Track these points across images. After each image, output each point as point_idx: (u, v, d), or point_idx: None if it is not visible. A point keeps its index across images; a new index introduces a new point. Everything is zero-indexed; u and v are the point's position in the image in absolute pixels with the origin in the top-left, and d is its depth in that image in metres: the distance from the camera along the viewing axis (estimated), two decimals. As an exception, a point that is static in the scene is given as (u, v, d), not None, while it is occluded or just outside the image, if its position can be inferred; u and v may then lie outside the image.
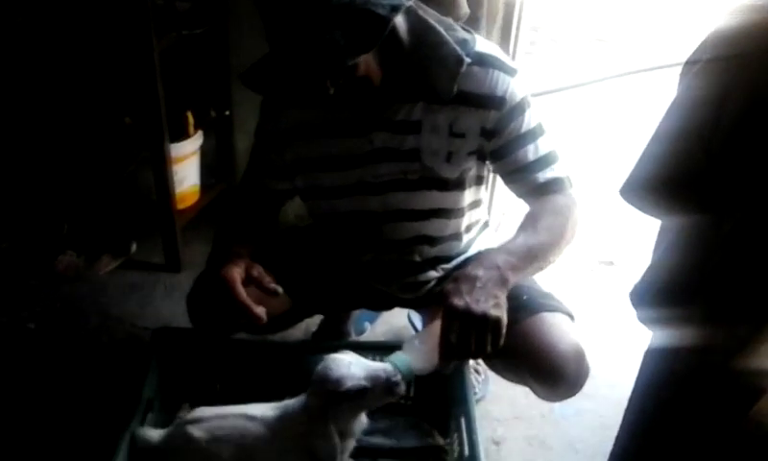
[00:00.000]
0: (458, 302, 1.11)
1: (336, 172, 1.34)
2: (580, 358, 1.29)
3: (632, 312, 1.14)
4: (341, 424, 1.14)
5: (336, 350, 1.20)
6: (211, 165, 2.41)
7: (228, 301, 1.22)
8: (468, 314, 1.10)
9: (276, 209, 1.48)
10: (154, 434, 1.23)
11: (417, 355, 1.17)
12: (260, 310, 1.22)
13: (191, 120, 2.16)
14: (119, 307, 2.11)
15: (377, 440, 1.36)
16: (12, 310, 2.05)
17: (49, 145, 2.25)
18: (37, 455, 1.57)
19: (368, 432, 1.24)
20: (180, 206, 2.20)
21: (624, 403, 1.22)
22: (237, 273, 1.24)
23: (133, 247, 2.32)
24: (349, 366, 1.12)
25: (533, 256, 1.23)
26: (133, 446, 1.21)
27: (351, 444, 1.20)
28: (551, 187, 1.31)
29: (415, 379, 1.22)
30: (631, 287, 1.15)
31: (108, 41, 2.05)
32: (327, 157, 1.34)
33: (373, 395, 1.11)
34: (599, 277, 2.30)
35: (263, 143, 1.40)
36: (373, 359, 1.31)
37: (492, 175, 1.98)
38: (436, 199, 1.35)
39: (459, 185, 1.35)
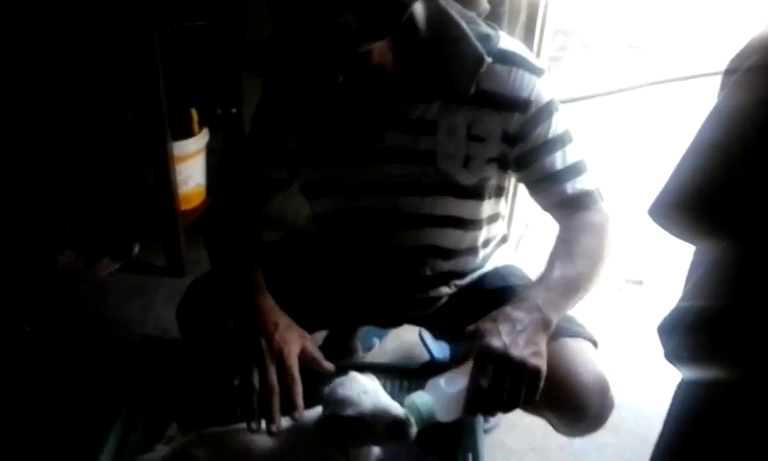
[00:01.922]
0: (496, 343, 1.01)
1: (343, 168, 1.26)
2: (604, 391, 1.18)
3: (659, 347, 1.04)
4: (351, 451, 1.07)
5: (346, 372, 1.11)
6: (219, 165, 2.35)
7: (281, 375, 1.10)
8: (505, 359, 1.00)
9: (266, 202, 1.39)
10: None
11: (441, 399, 1.05)
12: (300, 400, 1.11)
13: (195, 117, 2.11)
14: (118, 311, 2.06)
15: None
16: (8, 311, 2.00)
17: (50, 140, 2.21)
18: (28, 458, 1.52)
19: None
20: (185, 206, 2.15)
21: (650, 438, 1.11)
22: (293, 344, 1.14)
23: (136, 249, 2.28)
24: (360, 393, 1.04)
25: (574, 289, 1.13)
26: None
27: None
28: (581, 201, 1.22)
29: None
30: (659, 321, 1.05)
31: (109, 33, 2.00)
32: (334, 152, 1.26)
33: (375, 433, 1.02)
34: (627, 297, 2.20)
35: (263, 127, 1.32)
36: (400, 384, 1.25)
37: (512, 186, 1.89)
38: (451, 206, 1.27)
39: (477, 194, 1.27)
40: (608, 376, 1.20)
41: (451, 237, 1.31)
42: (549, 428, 1.29)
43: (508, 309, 1.07)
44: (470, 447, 1.20)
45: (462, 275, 1.38)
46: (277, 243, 1.51)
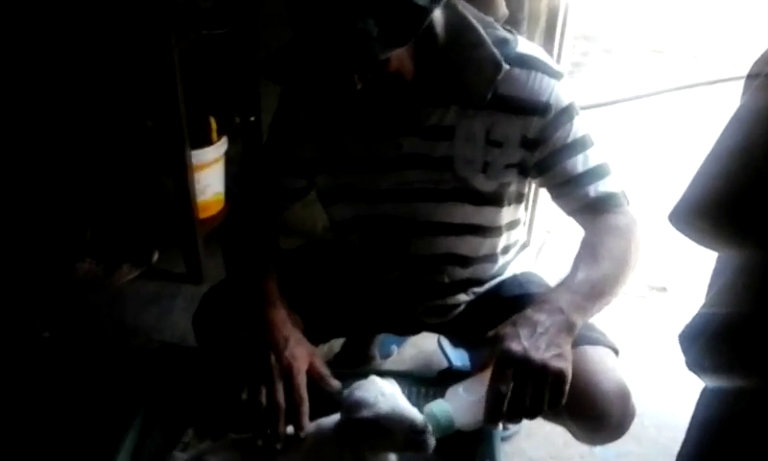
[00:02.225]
0: (515, 347, 0.98)
1: (360, 175, 1.26)
2: (625, 399, 1.15)
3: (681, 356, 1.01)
4: (368, 456, 1.03)
5: (366, 376, 1.09)
6: (237, 174, 2.35)
7: (289, 392, 1.08)
8: (525, 362, 0.96)
9: (283, 210, 1.39)
10: None
11: (460, 406, 1.02)
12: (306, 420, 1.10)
13: (214, 126, 2.12)
14: (136, 319, 2.07)
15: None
16: (28, 317, 2.03)
17: (70, 148, 2.24)
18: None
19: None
20: (203, 215, 2.15)
21: (673, 447, 1.10)
22: (302, 361, 1.12)
23: (155, 256, 2.29)
24: (378, 395, 1.01)
25: (598, 292, 1.09)
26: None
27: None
28: (605, 204, 1.19)
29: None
30: (681, 330, 1.03)
31: (128, 41, 2.02)
32: (351, 159, 1.25)
33: (392, 438, 1.00)
34: (650, 304, 2.16)
35: (280, 135, 1.31)
36: (418, 391, 1.22)
37: (533, 192, 1.87)
38: (470, 214, 1.25)
39: (496, 201, 1.25)
40: (629, 383, 1.18)
41: (469, 245, 1.29)
42: (569, 437, 1.27)
43: (529, 312, 1.04)
44: (488, 454, 1.18)
45: (480, 282, 1.36)
46: (295, 250, 1.51)
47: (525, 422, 1.61)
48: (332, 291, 1.40)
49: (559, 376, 0.97)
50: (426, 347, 1.89)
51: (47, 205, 2.25)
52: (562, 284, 1.10)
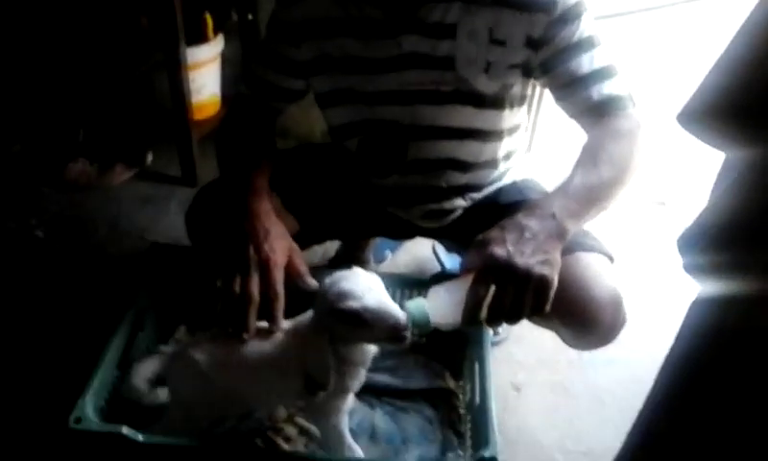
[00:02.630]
0: (499, 251, 0.96)
1: (358, 76, 1.22)
2: (617, 305, 1.16)
3: (678, 260, 1.00)
4: (341, 347, 1.05)
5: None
6: (234, 75, 2.31)
7: (264, 286, 1.07)
8: (507, 267, 0.95)
9: (280, 112, 1.36)
10: (152, 363, 1.18)
11: (440, 306, 1.02)
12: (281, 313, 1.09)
13: (210, 23, 2.06)
14: (130, 220, 2.07)
15: (382, 378, 1.28)
16: (21, 216, 2.02)
17: (63, 47, 2.17)
18: (35, 362, 1.54)
19: (372, 369, 1.15)
20: (198, 116, 2.12)
21: (661, 358, 1.10)
22: (281, 255, 1.11)
23: (149, 158, 2.26)
24: (364, 290, 1.00)
25: (595, 198, 1.07)
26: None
27: (358, 373, 1.10)
28: (610, 106, 1.16)
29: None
30: (680, 232, 1.01)
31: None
32: (350, 59, 1.22)
33: (373, 333, 1.00)
34: (649, 217, 2.16)
35: (277, 34, 1.27)
36: (410, 295, 1.24)
37: (536, 96, 1.83)
38: (471, 117, 1.23)
39: (498, 103, 1.22)
40: (622, 291, 1.18)
41: (470, 149, 1.27)
42: (559, 342, 1.29)
43: (519, 217, 1.03)
44: (476, 356, 1.20)
45: (478, 188, 1.35)
46: (292, 150, 1.49)
47: (515, 327, 1.65)
48: (328, 193, 1.38)
49: (542, 282, 0.96)
50: (420, 253, 1.90)
51: (39, 104, 2.21)
52: (557, 189, 1.08)
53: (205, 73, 2.12)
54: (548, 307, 0.98)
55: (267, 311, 1.07)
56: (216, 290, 1.08)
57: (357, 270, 1.05)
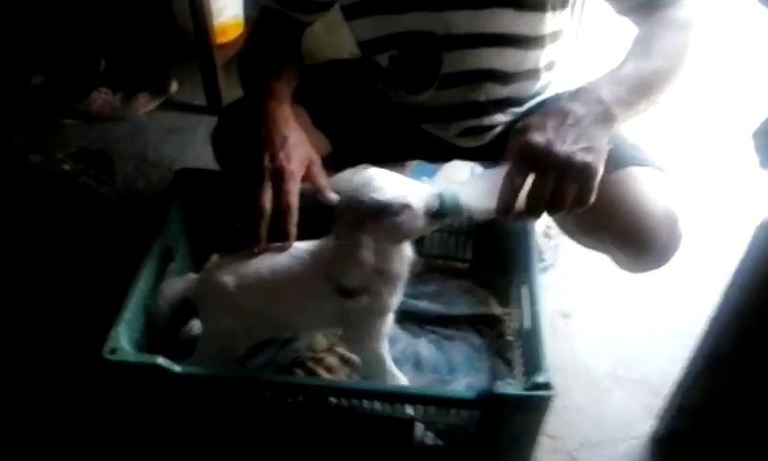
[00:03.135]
0: (537, 137, 0.88)
1: None
2: (672, 222, 1.09)
3: (752, 160, 0.92)
4: (379, 258, 0.96)
5: None
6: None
7: (276, 199, 1.01)
8: (546, 155, 0.87)
9: (304, 26, 1.28)
10: (178, 283, 1.12)
11: (474, 193, 0.94)
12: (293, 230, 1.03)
13: (229, -63, 1.95)
14: (156, 150, 2.02)
15: (422, 304, 1.23)
16: (46, 150, 1.98)
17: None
18: (66, 298, 1.53)
19: (412, 296, 1.10)
20: (221, 39, 2.04)
21: (718, 282, 1.05)
22: (298, 165, 1.04)
23: (173, 86, 2.20)
24: (389, 181, 0.93)
25: (646, 87, 0.98)
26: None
27: (395, 286, 1.01)
28: None
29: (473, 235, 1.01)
30: (756, 126, 0.92)
31: None
32: None
33: (405, 224, 0.92)
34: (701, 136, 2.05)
35: None
36: None
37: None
38: (510, 21, 1.14)
39: (539, 5, 1.13)
40: (677, 207, 1.11)
41: (510, 58, 1.19)
42: (607, 268, 1.23)
43: (562, 101, 0.94)
44: (524, 280, 1.14)
45: (520, 101, 1.27)
46: (322, 66, 1.41)
47: (561, 253, 1.59)
48: (360, 111, 1.32)
49: (585, 170, 0.87)
50: (459, 180, 1.82)
51: (58, 33, 2.14)
52: (606, 75, 0.99)
53: (227, -8, 2.03)
54: (592, 198, 0.89)
55: (277, 225, 1.01)
56: (240, 206, 1.02)
57: (372, 169, 0.97)
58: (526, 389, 0.91)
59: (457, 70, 1.20)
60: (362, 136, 1.33)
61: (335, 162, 1.36)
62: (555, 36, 1.21)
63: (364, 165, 1.01)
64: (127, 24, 2.22)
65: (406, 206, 0.91)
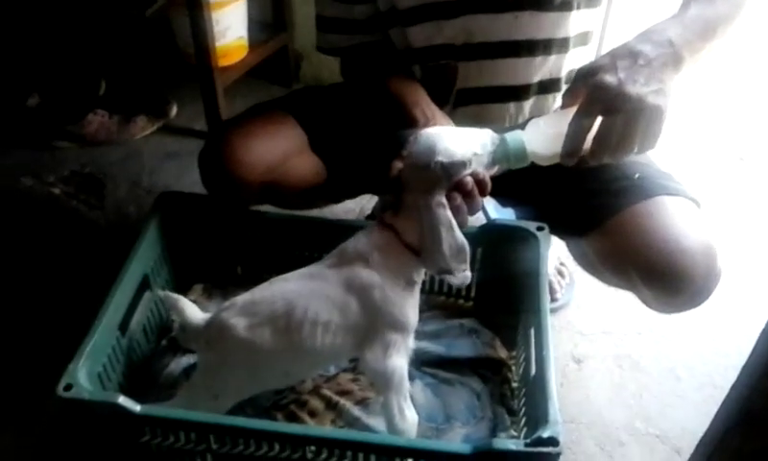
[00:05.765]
0: (609, 78, 0.88)
1: None
2: (711, 260, 1.01)
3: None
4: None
5: None
6: (263, 19, 2.19)
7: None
8: (618, 96, 0.87)
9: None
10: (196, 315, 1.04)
11: (539, 136, 0.94)
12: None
13: (234, -44, 1.91)
14: (152, 176, 1.97)
15: (421, 344, 1.13)
16: (38, 173, 1.93)
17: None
18: (49, 327, 1.46)
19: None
20: (223, 62, 1.98)
21: (752, 327, 0.92)
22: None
23: (173, 110, 2.15)
24: (451, 136, 0.93)
25: (711, 31, 0.97)
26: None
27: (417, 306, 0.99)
28: None
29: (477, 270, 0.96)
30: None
31: None
32: None
33: (480, 163, 0.93)
34: (728, 173, 1.96)
35: None
36: None
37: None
38: (533, 25, 1.10)
39: (564, 4, 1.09)
40: (715, 241, 1.03)
41: (533, 67, 1.16)
42: (625, 309, 1.14)
43: (631, 42, 0.93)
44: (532, 322, 1.05)
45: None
46: (325, 89, 1.38)
47: (575, 293, 1.50)
48: (359, 137, 1.24)
49: (656, 112, 0.88)
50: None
51: (56, 52, 2.10)
52: (671, 18, 0.98)
53: (230, 14, 1.97)
54: (657, 141, 0.91)
55: None
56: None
57: (433, 129, 0.97)
58: (528, 445, 0.83)
59: (473, 86, 1.17)
60: (359, 164, 1.26)
61: (331, 190, 1.29)
62: (580, 38, 1.18)
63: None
64: (128, 45, 2.18)
65: (474, 156, 0.92)
